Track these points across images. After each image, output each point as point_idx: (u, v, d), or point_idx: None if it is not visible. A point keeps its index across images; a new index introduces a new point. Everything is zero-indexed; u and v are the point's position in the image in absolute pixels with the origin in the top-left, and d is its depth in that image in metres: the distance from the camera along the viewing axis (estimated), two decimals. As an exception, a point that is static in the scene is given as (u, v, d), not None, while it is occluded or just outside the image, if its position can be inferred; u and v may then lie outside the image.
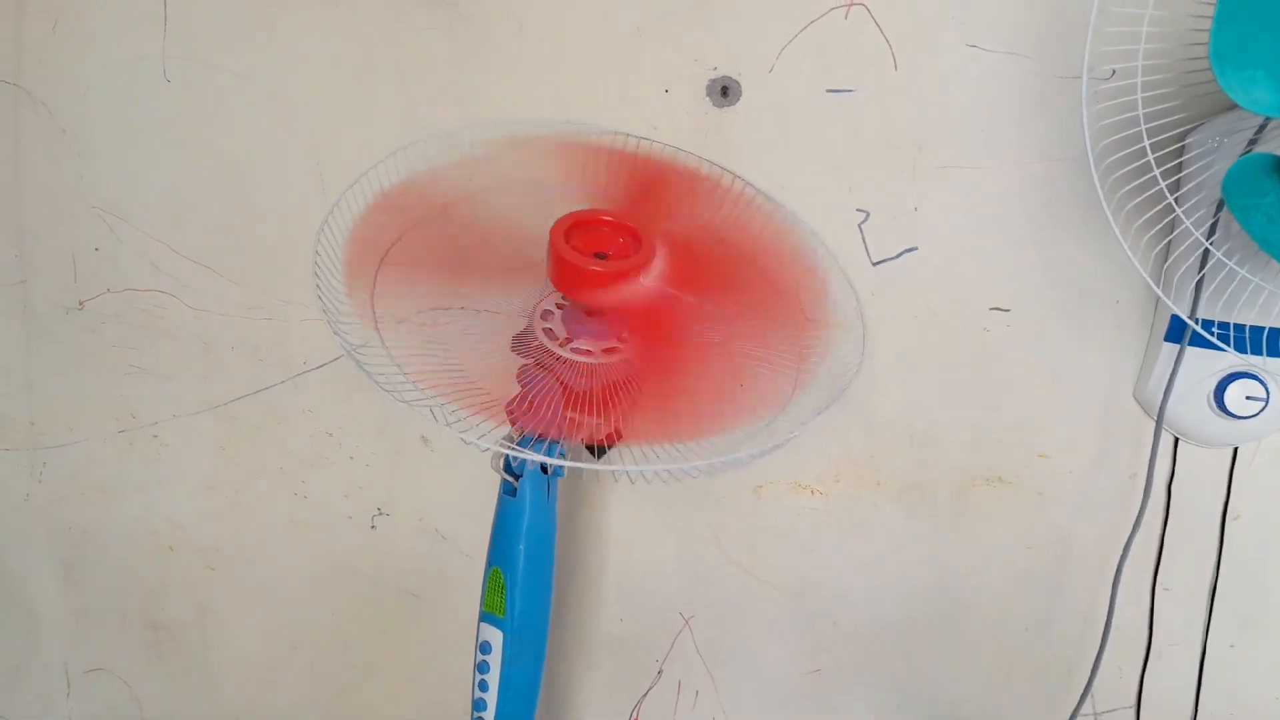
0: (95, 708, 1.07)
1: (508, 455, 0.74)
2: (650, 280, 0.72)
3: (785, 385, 0.75)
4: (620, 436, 0.84)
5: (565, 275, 0.70)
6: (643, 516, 0.91)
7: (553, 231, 0.70)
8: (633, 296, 0.71)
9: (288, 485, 0.96)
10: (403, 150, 0.79)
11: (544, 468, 0.75)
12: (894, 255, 0.81)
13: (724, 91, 0.82)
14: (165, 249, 0.93)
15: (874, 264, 0.82)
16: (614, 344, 0.74)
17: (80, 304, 0.95)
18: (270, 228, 0.91)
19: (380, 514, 0.95)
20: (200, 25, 0.88)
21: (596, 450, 0.80)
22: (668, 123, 0.83)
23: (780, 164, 0.81)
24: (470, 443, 0.66)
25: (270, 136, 0.89)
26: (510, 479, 0.74)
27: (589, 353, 0.73)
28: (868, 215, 0.81)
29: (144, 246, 0.93)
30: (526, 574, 0.75)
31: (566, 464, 0.70)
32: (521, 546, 0.75)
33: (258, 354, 0.94)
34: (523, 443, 0.75)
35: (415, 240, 0.77)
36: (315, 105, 0.87)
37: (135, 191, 0.92)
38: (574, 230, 0.72)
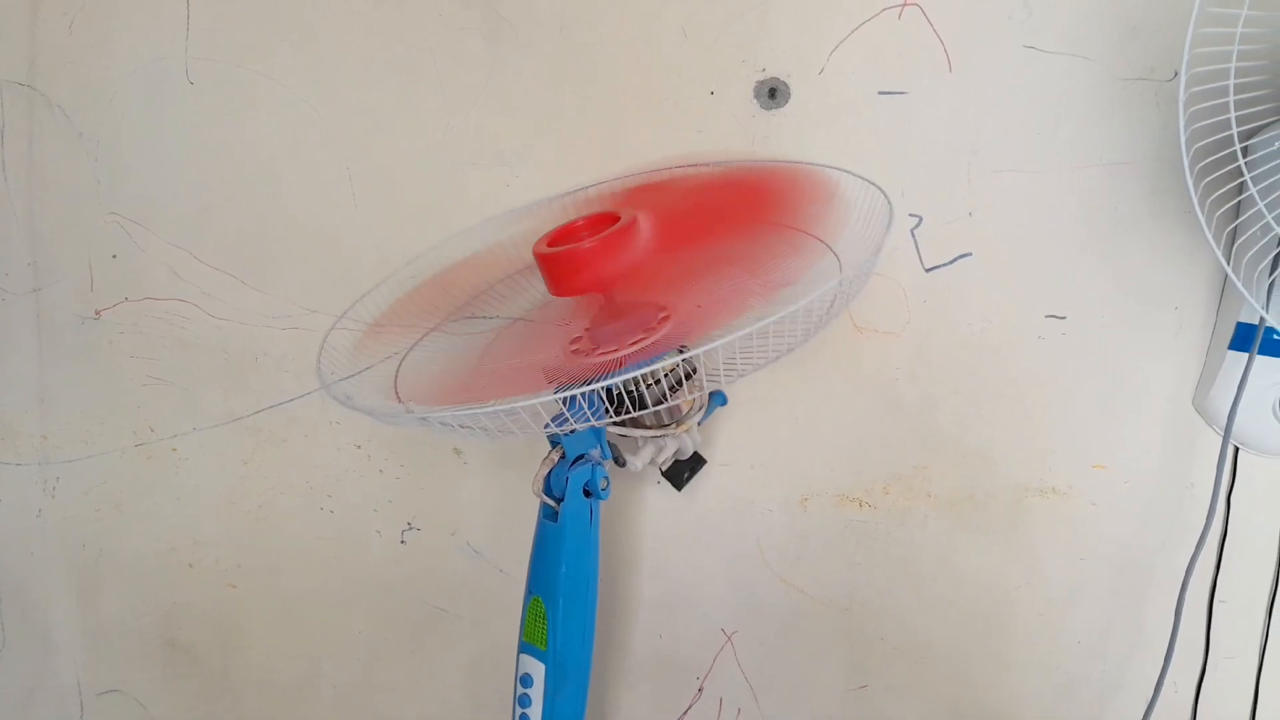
0: (109, 731, 1.03)
1: (548, 478, 0.71)
2: (646, 220, 0.70)
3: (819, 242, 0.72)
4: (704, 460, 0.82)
5: (561, 271, 0.68)
6: (683, 528, 0.88)
7: (535, 250, 0.69)
8: (645, 245, 0.69)
9: (314, 499, 0.93)
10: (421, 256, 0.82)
11: (586, 490, 0.72)
12: (947, 261, 0.79)
13: (772, 93, 0.79)
14: (186, 256, 0.90)
15: (926, 270, 0.79)
16: (639, 335, 0.71)
17: (97, 313, 0.92)
18: (297, 234, 0.88)
19: (410, 528, 0.92)
20: (225, 25, 0.85)
21: (676, 480, 0.77)
22: (712, 125, 0.81)
23: (830, 168, 0.78)
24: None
25: (297, 140, 0.86)
26: (551, 502, 0.71)
27: (614, 349, 0.70)
28: (920, 220, 0.79)
29: (164, 254, 0.90)
30: (568, 603, 0.72)
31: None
32: (563, 573, 0.72)
33: (282, 364, 0.91)
34: (558, 468, 0.72)
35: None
36: (345, 107, 0.85)
37: (155, 197, 0.89)
38: (555, 242, 0.70)
